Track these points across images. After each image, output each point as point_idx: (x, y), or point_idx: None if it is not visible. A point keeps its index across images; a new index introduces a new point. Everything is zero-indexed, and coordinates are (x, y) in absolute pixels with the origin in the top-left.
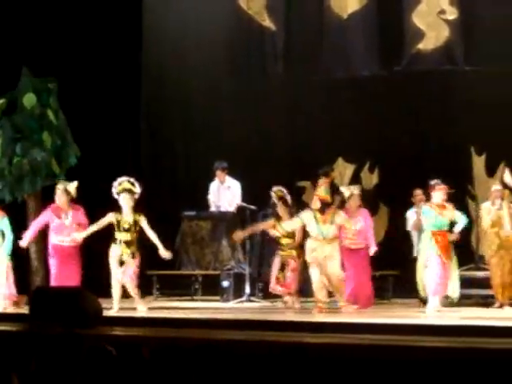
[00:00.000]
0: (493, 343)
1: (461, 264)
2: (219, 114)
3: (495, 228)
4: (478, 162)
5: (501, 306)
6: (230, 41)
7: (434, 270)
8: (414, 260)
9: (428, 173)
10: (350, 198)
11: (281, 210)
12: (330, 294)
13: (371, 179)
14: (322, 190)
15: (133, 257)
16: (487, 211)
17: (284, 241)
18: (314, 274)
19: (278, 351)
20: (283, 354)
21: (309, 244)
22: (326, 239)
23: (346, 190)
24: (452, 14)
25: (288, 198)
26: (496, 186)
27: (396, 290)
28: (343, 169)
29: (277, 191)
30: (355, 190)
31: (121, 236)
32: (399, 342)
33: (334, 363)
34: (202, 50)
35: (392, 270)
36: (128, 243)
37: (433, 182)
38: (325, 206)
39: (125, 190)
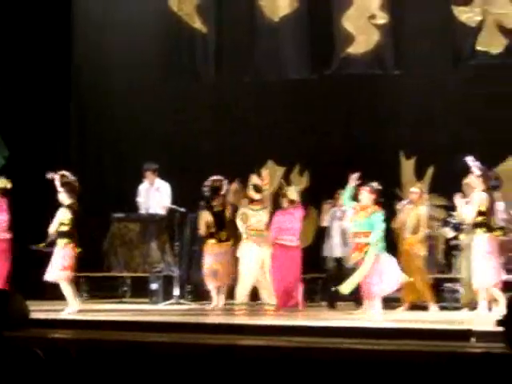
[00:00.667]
0: (418, 345)
1: None
2: (150, 115)
3: (403, 228)
4: (407, 166)
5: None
6: (161, 42)
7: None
8: (338, 260)
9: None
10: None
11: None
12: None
13: (301, 182)
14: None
15: None
16: (399, 210)
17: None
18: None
19: (206, 353)
20: (212, 355)
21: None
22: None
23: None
24: (382, 18)
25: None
26: (413, 188)
27: (325, 292)
28: (273, 171)
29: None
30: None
31: None
32: (328, 344)
33: (263, 365)
34: (133, 51)
35: (321, 272)
36: None
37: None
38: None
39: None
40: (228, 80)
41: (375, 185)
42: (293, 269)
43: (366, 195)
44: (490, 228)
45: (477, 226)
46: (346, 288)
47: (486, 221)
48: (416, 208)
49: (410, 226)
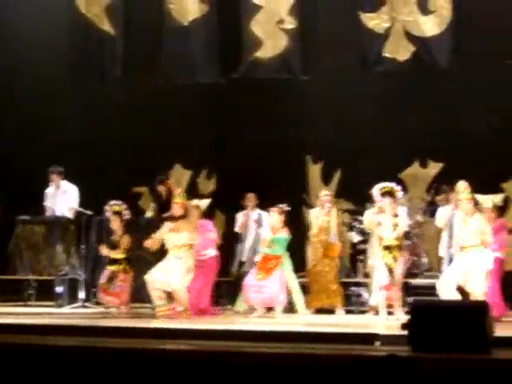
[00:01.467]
0: (322, 349)
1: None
2: (57, 116)
3: (321, 234)
4: (314, 171)
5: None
6: (69, 42)
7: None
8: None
9: (263, 180)
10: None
11: (114, 224)
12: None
13: (208, 186)
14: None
15: None
16: (315, 217)
17: (112, 255)
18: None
19: (111, 357)
20: (117, 359)
21: None
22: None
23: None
24: (290, 23)
25: (125, 213)
26: (325, 192)
27: (229, 296)
28: (180, 175)
29: (113, 206)
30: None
31: None
32: (233, 348)
33: (169, 367)
34: (40, 50)
35: (227, 276)
36: None
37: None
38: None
39: None
40: (135, 82)
41: (284, 206)
42: (208, 277)
43: (276, 216)
44: None
45: None
46: (239, 305)
47: None
48: (330, 212)
49: (333, 230)
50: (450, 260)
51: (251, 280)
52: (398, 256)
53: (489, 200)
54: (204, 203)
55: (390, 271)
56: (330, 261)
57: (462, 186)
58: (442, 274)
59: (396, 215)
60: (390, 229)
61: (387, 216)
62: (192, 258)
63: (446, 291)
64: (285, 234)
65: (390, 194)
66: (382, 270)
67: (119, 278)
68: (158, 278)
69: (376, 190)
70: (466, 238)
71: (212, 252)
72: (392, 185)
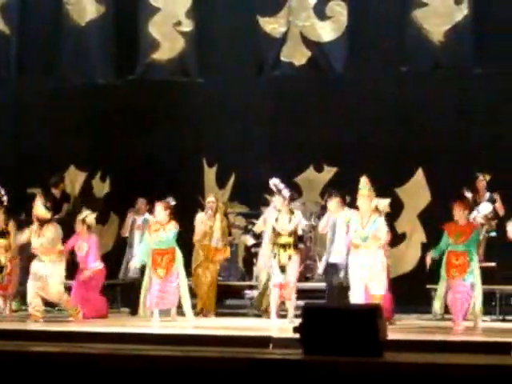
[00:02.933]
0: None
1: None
2: None
3: (205, 239)
4: (209, 174)
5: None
6: None
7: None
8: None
9: (159, 182)
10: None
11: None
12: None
13: (103, 188)
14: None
15: None
16: (200, 222)
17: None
18: None
19: None
20: (4, 361)
21: None
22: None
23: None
24: (187, 26)
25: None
26: (211, 197)
27: (124, 299)
28: (74, 176)
29: None
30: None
31: None
32: (126, 351)
33: (59, 371)
34: None
35: (119, 279)
36: None
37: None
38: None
39: None
40: (31, 84)
41: (170, 200)
42: (98, 284)
43: (161, 211)
44: None
45: None
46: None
47: None
48: (215, 217)
49: (216, 235)
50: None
51: (154, 284)
52: (293, 255)
53: (384, 202)
54: (92, 220)
55: (283, 270)
56: (211, 265)
57: (363, 181)
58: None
59: (292, 212)
60: (286, 226)
61: (283, 214)
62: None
63: (355, 293)
64: (173, 228)
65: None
66: (276, 269)
67: (7, 270)
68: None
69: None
70: (363, 237)
71: (99, 265)
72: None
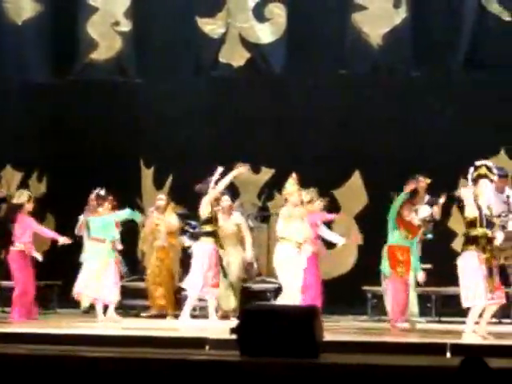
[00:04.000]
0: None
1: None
2: None
3: (155, 238)
4: (147, 175)
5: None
6: None
7: None
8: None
9: (94, 183)
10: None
11: None
12: None
13: (39, 188)
14: None
15: None
16: (150, 221)
17: None
18: None
19: None
20: None
21: None
22: None
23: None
24: (126, 26)
25: None
26: (160, 196)
27: (61, 300)
28: (11, 176)
29: None
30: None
31: None
32: (64, 352)
33: None
34: None
35: (57, 279)
36: None
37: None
38: None
39: None
40: None
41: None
42: (31, 281)
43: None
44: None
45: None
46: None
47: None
48: (165, 216)
49: (163, 235)
50: None
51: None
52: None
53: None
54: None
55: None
56: (163, 264)
57: (291, 180)
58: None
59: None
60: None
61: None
62: None
63: (291, 294)
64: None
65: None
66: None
67: None
68: None
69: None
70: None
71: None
72: None
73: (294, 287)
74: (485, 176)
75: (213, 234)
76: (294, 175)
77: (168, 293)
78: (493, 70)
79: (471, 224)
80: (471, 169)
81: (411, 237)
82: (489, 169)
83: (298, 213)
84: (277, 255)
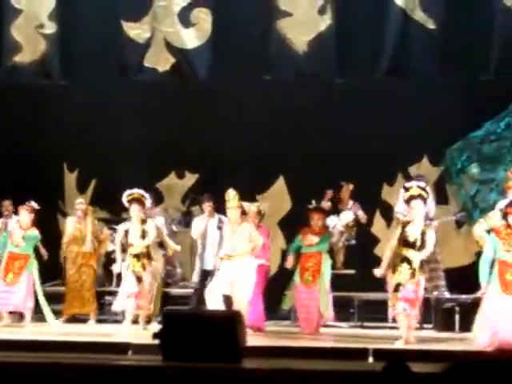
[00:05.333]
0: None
1: (47, 280)
2: None
3: (76, 243)
4: (70, 179)
5: None
6: None
7: None
8: None
9: (17, 186)
10: None
11: None
12: None
13: None
14: None
15: None
16: (71, 225)
17: None
18: None
19: None
20: None
21: None
22: None
23: None
24: (50, 28)
25: None
26: (79, 200)
27: None
28: None
29: None
30: None
31: None
32: None
33: None
34: None
35: None
36: None
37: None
38: None
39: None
40: None
41: (34, 204)
42: None
43: (26, 214)
44: None
45: None
46: None
47: None
48: (86, 220)
49: (87, 240)
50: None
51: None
52: (146, 264)
53: (254, 205)
54: None
55: (139, 279)
56: (86, 269)
57: (231, 193)
58: (210, 283)
59: (144, 221)
60: (138, 236)
61: (135, 223)
62: None
63: (212, 300)
64: (35, 232)
65: (137, 200)
66: (130, 278)
67: None
68: None
69: (124, 197)
70: (234, 247)
71: None
72: (140, 191)
73: (244, 301)
74: (418, 196)
75: None
76: (233, 191)
77: (89, 298)
78: (415, 77)
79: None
80: (402, 190)
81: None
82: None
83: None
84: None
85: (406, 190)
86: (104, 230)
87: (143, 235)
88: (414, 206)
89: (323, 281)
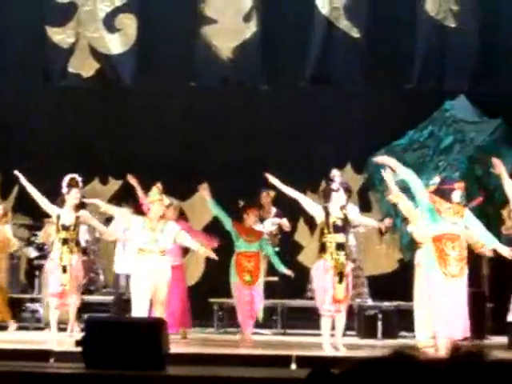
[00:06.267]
0: None
1: None
2: None
3: None
4: None
5: None
6: None
7: None
8: None
9: None
10: None
11: None
12: None
13: None
14: None
15: None
16: None
17: None
18: None
19: None
20: None
21: None
22: None
23: None
24: None
25: None
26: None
27: None
28: None
29: None
30: None
31: None
32: None
33: None
34: None
35: None
36: None
37: None
38: None
39: None
40: None
41: None
42: None
43: None
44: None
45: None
46: None
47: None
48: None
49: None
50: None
51: None
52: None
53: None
54: None
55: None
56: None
57: (155, 189)
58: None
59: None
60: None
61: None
62: None
63: (138, 306)
64: None
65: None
66: (56, 276)
67: None
68: None
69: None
70: (154, 243)
71: None
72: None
73: (143, 300)
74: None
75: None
76: (158, 184)
77: (4, 303)
78: (340, 85)
79: (321, 232)
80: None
81: (255, 240)
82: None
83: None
84: (137, 267)
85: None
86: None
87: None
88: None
89: (260, 283)
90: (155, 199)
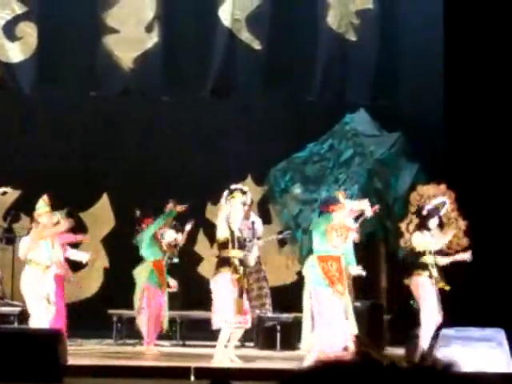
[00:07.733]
0: None
1: None
2: None
3: None
4: None
5: None
6: None
7: None
8: None
9: None
10: None
11: None
12: None
13: None
14: None
15: None
16: None
17: None
18: None
19: None
20: None
21: None
22: None
23: None
24: None
25: None
26: None
27: None
28: None
29: None
30: None
31: None
32: None
33: None
34: None
35: None
36: None
37: None
38: None
39: None
40: None
41: None
42: None
43: None
44: None
45: None
46: None
47: None
48: None
49: None
50: None
51: None
52: None
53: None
54: None
55: None
56: None
57: (42, 201)
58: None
59: None
60: None
61: None
62: None
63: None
64: None
65: None
66: None
67: None
68: None
69: None
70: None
71: None
72: None
73: (40, 310)
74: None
75: None
76: (45, 196)
77: None
78: (240, 97)
79: (223, 245)
80: (226, 192)
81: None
82: (244, 193)
83: (48, 234)
84: (24, 278)
85: (231, 192)
86: None
87: None
88: (234, 205)
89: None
90: (43, 212)
